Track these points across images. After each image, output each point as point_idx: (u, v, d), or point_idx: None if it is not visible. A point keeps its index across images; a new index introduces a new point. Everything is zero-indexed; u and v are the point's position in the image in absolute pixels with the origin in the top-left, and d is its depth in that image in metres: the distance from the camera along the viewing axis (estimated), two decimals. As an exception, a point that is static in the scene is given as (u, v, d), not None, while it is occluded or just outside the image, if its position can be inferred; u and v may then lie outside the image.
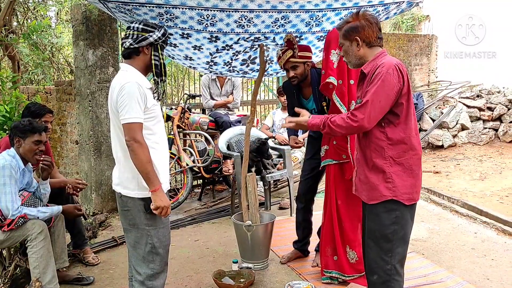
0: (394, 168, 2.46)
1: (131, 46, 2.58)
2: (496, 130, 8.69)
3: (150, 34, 2.58)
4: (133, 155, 2.46)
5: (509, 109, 8.66)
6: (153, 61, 2.62)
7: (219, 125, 6.00)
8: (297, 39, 3.72)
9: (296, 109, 2.91)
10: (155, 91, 2.64)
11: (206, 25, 3.34)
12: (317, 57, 4.17)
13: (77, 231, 4.15)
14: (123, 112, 2.46)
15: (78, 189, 3.96)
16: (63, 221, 3.78)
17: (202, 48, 3.70)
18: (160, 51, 2.64)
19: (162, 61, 2.65)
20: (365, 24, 2.47)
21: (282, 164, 5.56)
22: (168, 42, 3.55)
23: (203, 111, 6.55)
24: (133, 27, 2.60)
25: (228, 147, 5.50)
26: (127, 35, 2.60)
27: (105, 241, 4.59)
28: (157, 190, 2.50)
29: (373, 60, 2.50)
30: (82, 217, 4.77)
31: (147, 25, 2.61)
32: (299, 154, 5.87)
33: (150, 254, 2.63)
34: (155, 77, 2.64)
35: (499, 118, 8.74)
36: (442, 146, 8.45)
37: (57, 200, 3.83)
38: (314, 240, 4.04)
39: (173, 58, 4.02)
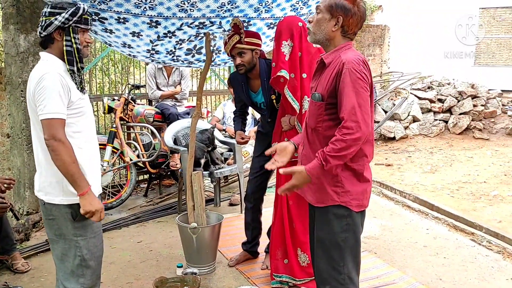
0: (346, 172, 2.24)
1: (41, 35, 2.28)
2: (446, 122, 8.79)
3: (56, 17, 2.24)
4: (54, 156, 2.16)
5: (458, 101, 8.77)
6: (64, 48, 2.27)
7: (166, 117, 5.65)
8: (245, 24, 3.48)
9: (267, 152, 2.57)
10: (74, 82, 2.30)
11: (145, 9, 3.02)
12: (267, 46, 3.93)
13: (4, 235, 3.74)
14: (41, 106, 2.15)
15: (5, 187, 3.53)
16: (-14, 226, 3.39)
17: (142, 35, 3.37)
18: (72, 35, 2.28)
19: (75, 45, 2.29)
20: (356, 13, 2.21)
21: (233, 159, 5.31)
22: (103, 27, 3.23)
23: (149, 103, 6.19)
24: (43, 12, 2.28)
25: (175, 141, 5.19)
26: (40, 22, 2.28)
27: (38, 244, 4.19)
28: (85, 193, 2.21)
29: (337, 50, 2.24)
30: (14, 217, 4.38)
31: (55, 8, 2.27)
32: (250, 148, 5.64)
33: (80, 268, 2.34)
34: (68, 66, 2.28)
35: (449, 110, 8.83)
36: (394, 138, 8.46)
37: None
38: (264, 240, 3.83)
39: (110, 45, 3.66)
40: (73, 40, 2.27)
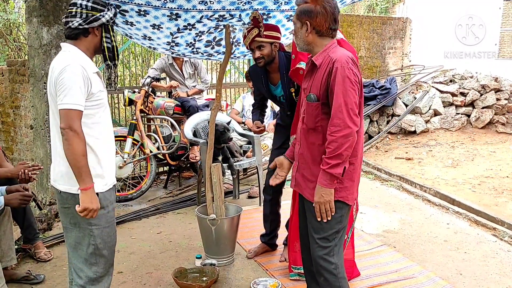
0: (349, 167, 2.34)
1: (80, 27, 2.32)
2: (469, 116, 8.63)
3: (102, 14, 2.35)
4: (66, 145, 2.19)
5: (481, 95, 8.59)
6: (105, 44, 2.39)
7: (185, 110, 5.69)
8: (265, 17, 3.46)
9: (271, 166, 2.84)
10: (108, 76, 2.44)
11: (165, 1, 3.03)
12: (287, 39, 3.91)
13: (27, 224, 3.81)
14: (61, 96, 2.19)
15: (30, 176, 3.52)
16: (10, 215, 3.46)
17: (162, 27, 3.39)
18: (111, 33, 2.42)
19: (114, 43, 2.43)
20: (320, 11, 2.28)
21: (252, 152, 5.32)
22: (124, 19, 3.26)
23: (169, 95, 6.23)
24: (81, 4, 2.32)
25: (195, 134, 5.23)
26: (74, 13, 2.32)
27: (60, 234, 4.27)
28: (88, 188, 2.22)
29: (324, 51, 2.33)
30: (37, 207, 4.46)
31: (97, 3, 2.36)
32: (269, 141, 5.64)
33: (93, 256, 2.38)
34: (108, 62, 2.42)
35: (471, 104, 8.67)
36: (414, 132, 8.35)
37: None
38: (282, 232, 3.84)
39: (130, 37, 3.69)
40: (112, 38, 2.38)
